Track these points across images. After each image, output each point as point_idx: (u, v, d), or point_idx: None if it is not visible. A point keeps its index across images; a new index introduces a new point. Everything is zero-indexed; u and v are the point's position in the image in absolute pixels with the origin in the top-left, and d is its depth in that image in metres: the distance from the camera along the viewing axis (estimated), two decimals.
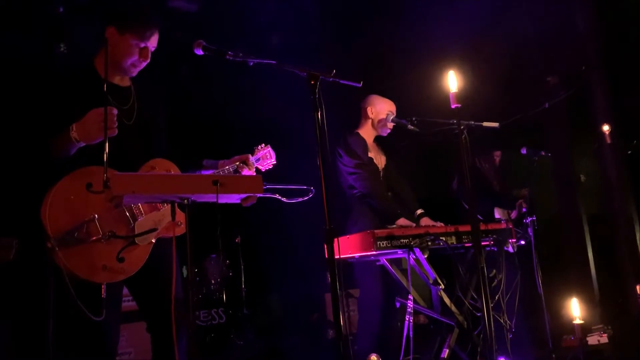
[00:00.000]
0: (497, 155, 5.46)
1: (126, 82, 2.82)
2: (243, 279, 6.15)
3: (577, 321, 3.56)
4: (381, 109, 4.23)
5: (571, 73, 6.19)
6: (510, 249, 4.59)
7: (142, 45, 2.68)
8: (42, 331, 2.50)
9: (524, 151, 5.15)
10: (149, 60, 2.75)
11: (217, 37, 2.99)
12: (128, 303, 3.51)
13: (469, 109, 3.54)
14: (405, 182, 4.41)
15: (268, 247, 6.25)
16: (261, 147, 3.18)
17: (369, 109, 4.27)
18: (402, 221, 3.89)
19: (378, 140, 4.36)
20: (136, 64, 2.72)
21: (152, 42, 2.72)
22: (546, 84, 6.47)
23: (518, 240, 4.14)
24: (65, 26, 4.64)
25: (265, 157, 3.17)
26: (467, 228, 3.71)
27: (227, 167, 2.96)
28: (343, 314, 2.51)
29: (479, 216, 4.48)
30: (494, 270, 3.87)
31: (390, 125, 4.22)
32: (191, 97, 5.86)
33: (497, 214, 5.14)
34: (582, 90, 6.14)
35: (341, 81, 2.73)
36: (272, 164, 3.23)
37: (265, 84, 4.92)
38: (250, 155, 3.07)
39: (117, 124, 2.48)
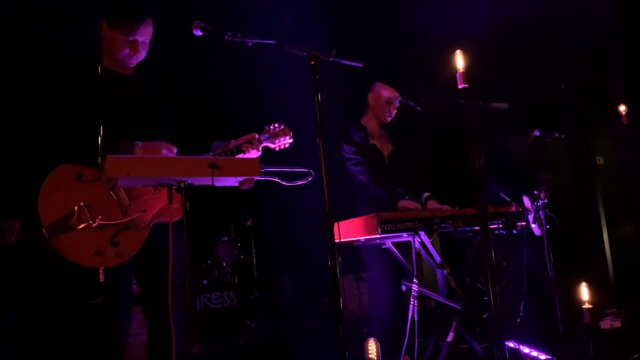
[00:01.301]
0: (532, 136, 5.31)
1: (129, 70, 2.86)
2: (254, 262, 6.17)
3: (587, 305, 3.50)
4: (380, 95, 4.21)
5: (587, 53, 6.06)
6: (537, 232, 4.54)
7: (130, 39, 2.73)
8: (43, 317, 2.53)
9: (537, 133, 5.05)
10: (140, 53, 2.79)
11: (225, 23, 2.96)
12: None
13: (483, 89, 3.48)
14: (414, 167, 4.37)
15: (279, 230, 6.23)
16: (273, 127, 3.15)
17: (369, 96, 4.28)
18: (403, 203, 3.85)
19: (385, 127, 4.32)
20: (130, 57, 2.77)
21: (143, 35, 2.76)
22: (562, 65, 6.34)
23: (543, 223, 4.09)
24: (76, 12, 4.63)
25: (278, 135, 3.14)
26: (474, 211, 3.65)
27: (232, 146, 2.95)
28: (343, 297, 2.49)
29: (505, 197, 4.41)
30: (504, 263, 3.82)
31: (392, 111, 4.17)
32: (199, 82, 5.83)
33: (527, 202, 4.96)
34: (599, 71, 6.00)
35: (341, 61, 2.69)
36: (289, 143, 3.20)
37: (273, 66, 4.87)
38: (256, 134, 3.06)
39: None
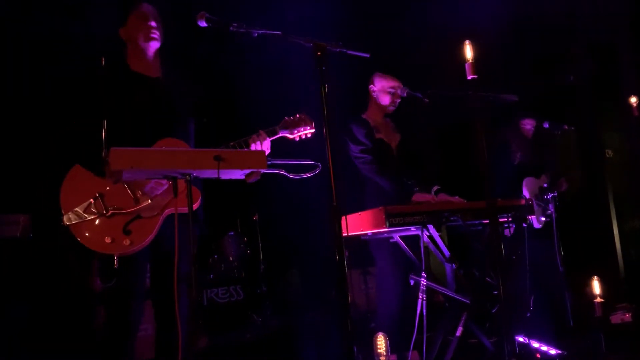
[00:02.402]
0: (528, 123, 5.17)
1: (156, 73, 2.95)
2: (261, 257, 6.15)
3: (598, 299, 3.45)
4: (382, 85, 4.11)
5: (597, 45, 5.99)
6: (537, 224, 4.49)
7: (145, 23, 2.86)
8: (51, 307, 2.58)
9: (546, 125, 4.99)
10: (151, 23, 2.88)
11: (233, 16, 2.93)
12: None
13: (492, 81, 3.43)
14: (423, 158, 4.30)
15: (286, 224, 6.21)
16: (293, 117, 3.14)
17: (371, 87, 4.17)
18: (417, 197, 3.79)
19: (390, 117, 4.23)
20: (148, 34, 2.87)
21: (153, 17, 2.89)
22: (572, 57, 6.27)
23: (540, 216, 4.04)
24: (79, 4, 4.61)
25: (297, 125, 3.12)
26: (483, 204, 3.59)
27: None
28: (351, 292, 2.46)
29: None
30: (513, 257, 3.77)
31: (395, 100, 4.09)
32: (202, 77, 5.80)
33: (527, 193, 4.89)
34: (609, 62, 5.94)
35: (348, 52, 2.66)
36: (311, 133, 3.18)
37: (277, 60, 4.83)
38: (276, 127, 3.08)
39: None
